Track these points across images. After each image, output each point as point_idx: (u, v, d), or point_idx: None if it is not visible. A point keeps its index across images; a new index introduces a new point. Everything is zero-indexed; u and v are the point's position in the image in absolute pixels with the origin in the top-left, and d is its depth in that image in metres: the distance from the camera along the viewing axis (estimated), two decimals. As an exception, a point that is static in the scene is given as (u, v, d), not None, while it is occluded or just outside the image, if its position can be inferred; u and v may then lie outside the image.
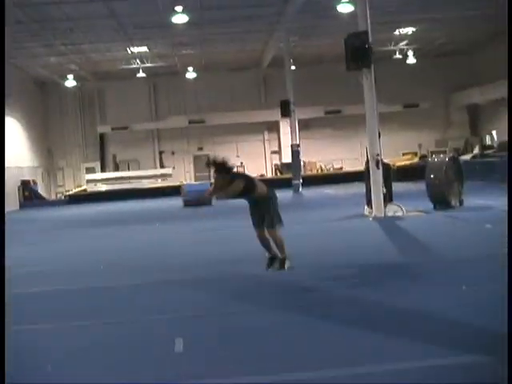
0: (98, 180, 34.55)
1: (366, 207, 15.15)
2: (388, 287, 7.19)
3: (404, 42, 31.95)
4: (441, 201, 14.79)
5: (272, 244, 8.29)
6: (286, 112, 27.62)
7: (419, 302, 6.31)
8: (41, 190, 33.35)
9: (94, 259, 11.02)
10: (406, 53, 33.60)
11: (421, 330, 5.40)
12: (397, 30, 29.29)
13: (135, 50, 29.39)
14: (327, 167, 36.40)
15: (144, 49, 29.40)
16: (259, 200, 8.17)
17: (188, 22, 22.74)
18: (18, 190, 30.41)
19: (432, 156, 25.85)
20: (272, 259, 8.33)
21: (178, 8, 21.31)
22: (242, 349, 5.26)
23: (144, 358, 5.16)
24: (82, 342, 5.73)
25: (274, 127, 36.19)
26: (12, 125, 30.68)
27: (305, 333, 5.60)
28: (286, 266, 8.23)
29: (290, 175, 28.74)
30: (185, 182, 31.57)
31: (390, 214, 14.36)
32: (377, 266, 8.52)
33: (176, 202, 23.98)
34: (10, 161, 28.84)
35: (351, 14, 18.55)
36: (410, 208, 14.67)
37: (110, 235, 15.43)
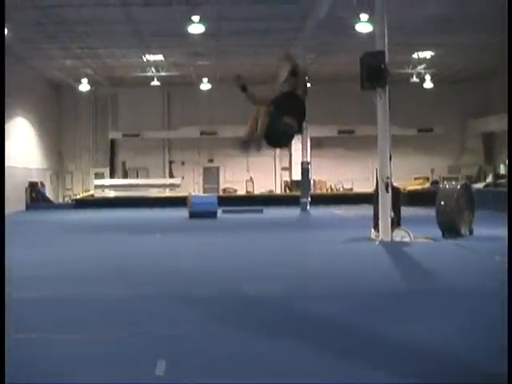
0: (106, 186, 34.41)
1: (372, 230, 14.82)
2: (386, 316, 6.83)
3: (422, 66, 31.67)
4: (450, 229, 14.42)
5: None
6: (298, 129, 27.33)
7: (417, 333, 5.98)
8: (48, 193, 33.17)
9: (92, 266, 10.81)
10: (424, 77, 33.28)
11: (415, 364, 5.12)
12: (415, 53, 29.07)
13: (151, 57, 29.27)
14: (337, 187, 36.10)
15: (159, 57, 29.28)
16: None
17: (204, 33, 22.60)
18: (26, 191, 30.13)
19: (444, 182, 25.50)
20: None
21: (195, 18, 21.13)
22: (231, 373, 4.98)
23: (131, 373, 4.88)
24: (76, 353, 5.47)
25: (285, 144, 35.83)
26: (24, 125, 30.64)
27: (295, 359, 5.31)
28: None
29: (298, 193, 28.44)
30: (193, 193, 31.31)
31: (397, 239, 14.02)
32: (378, 293, 8.20)
33: (182, 213, 23.76)
34: (18, 161, 28.79)
35: (369, 34, 18.32)
36: (418, 234, 14.31)
37: (111, 243, 15.17)
